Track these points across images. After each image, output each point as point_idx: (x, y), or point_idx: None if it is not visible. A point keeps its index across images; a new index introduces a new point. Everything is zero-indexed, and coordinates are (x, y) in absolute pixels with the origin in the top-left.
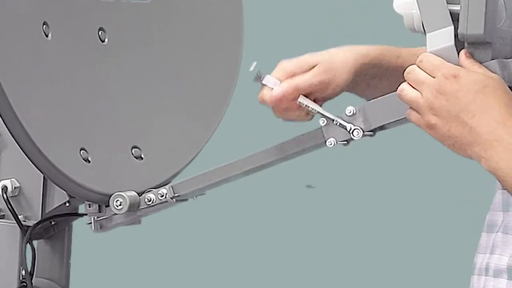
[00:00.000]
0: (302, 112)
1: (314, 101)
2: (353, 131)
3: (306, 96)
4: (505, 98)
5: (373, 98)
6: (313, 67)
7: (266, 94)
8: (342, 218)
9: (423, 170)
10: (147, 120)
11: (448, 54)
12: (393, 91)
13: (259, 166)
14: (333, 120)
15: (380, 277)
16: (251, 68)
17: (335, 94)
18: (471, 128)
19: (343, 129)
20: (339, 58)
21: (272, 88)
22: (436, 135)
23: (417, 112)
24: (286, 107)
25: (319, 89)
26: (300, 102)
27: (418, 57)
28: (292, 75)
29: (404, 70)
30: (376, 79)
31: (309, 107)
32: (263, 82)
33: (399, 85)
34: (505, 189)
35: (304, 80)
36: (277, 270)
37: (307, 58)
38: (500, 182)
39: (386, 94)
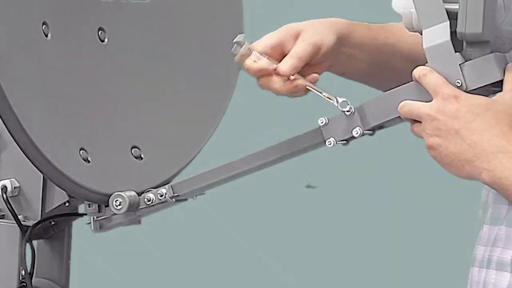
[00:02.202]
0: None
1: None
2: (352, 129)
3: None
4: (508, 120)
5: (352, 76)
6: (299, 34)
7: (251, 64)
8: (343, 218)
9: (422, 164)
10: (147, 120)
11: (444, 50)
12: (390, 89)
13: (259, 165)
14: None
15: (380, 268)
16: (236, 39)
17: (324, 61)
18: (471, 144)
19: (342, 129)
20: (321, 22)
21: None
22: (434, 154)
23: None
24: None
25: (312, 54)
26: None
27: (387, 31)
28: (280, 44)
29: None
30: (356, 49)
31: (314, 90)
32: (252, 56)
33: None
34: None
35: (300, 49)
36: (277, 270)
37: (290, 26)
38: (502, 192)
39: (382, 93)
